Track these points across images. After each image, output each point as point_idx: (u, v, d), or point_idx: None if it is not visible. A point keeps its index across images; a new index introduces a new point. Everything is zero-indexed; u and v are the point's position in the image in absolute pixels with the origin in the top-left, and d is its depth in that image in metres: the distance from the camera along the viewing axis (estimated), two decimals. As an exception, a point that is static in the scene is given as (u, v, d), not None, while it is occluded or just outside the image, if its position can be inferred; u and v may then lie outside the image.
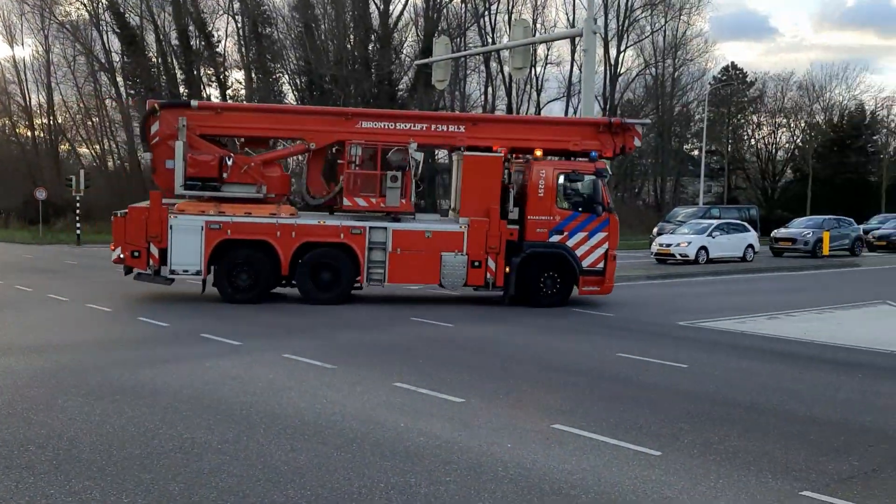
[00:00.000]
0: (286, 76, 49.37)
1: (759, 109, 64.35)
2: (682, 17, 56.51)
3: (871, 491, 5.52)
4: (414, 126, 15.19)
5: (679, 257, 26.37)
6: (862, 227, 36.20)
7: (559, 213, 15.01)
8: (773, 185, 63.63)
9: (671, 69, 57.91)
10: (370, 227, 14.38)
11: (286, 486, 5.25)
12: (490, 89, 52.56)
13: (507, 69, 45.48)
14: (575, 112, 49.67)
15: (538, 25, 51.19)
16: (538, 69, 53.34)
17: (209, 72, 48.97)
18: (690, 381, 8.91)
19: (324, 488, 5.25)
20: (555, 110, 55.92)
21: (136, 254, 14.09)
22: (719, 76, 63.54)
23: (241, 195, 14.49)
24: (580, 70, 35.99)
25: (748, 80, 64.90)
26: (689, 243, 26.70)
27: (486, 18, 51.43)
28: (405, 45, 48.61)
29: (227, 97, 47.24)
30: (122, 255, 14.20)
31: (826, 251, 30.47)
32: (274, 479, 5.35)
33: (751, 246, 28.33)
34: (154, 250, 14.08)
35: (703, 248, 26.79)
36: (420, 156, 14.62)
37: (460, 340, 11.20)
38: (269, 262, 14.26)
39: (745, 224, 30.12)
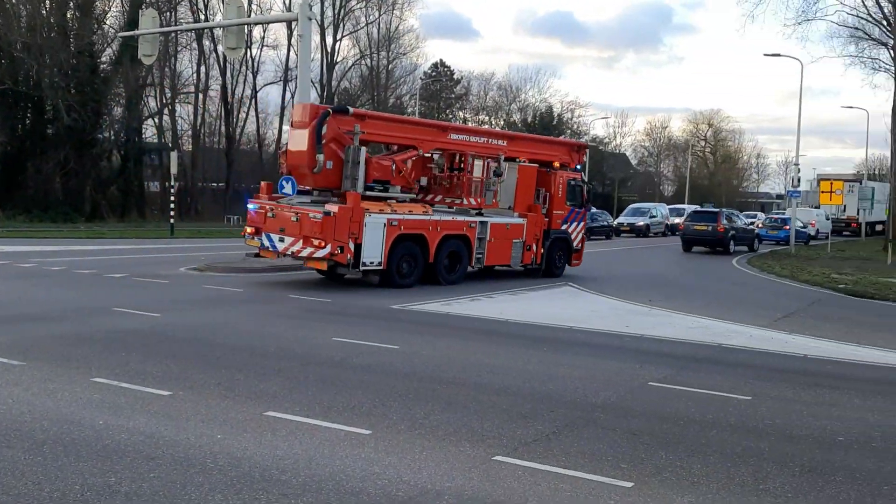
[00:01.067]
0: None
1: (466, 106, 68.71)
2: (394, 11, 58.41)
3: (551, 450, 6.21)
4: (482, 139, 19.02)
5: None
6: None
7: (566, 209, 20.54)
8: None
9: (385, 61, 59.66)
10: (479, 222, 17.98)
11: (-41, 499, 4.66)
12: (203, 68, 50.35)
13: (220, 48, 43.79)
14: (292, 97, 49.31)
15: (254, 6, 49.93)
16: (254, 51, 52.13)
17: None
18: (401, 362, 9.32)
19: (8, 495, 4.74)
20: (272, 94, 55.13)
21: (341, 249, 15.24)
22: (429, 72, 66.73)
23: (402, 196, 16.89)
24: (297, 55, 35.72)
25: (455, 77, 68.95)
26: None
27: (199, -7, 49.03)
28: (108, 15, 44.78)
29: None
30: (331, 252, 15.10)
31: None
32: (-57, 494, 4.72)
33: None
34: (352, 246, 15.42)
35: None
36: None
37: (167, 331, 10.65)
38: (423, 252, 16.73)
39: None
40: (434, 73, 66.10)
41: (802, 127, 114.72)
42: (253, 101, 53.47)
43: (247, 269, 18.87)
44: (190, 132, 51.97)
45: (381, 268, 16.02)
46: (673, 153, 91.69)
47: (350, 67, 57.61)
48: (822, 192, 40.41)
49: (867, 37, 51.51)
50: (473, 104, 68.81)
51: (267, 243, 16.13)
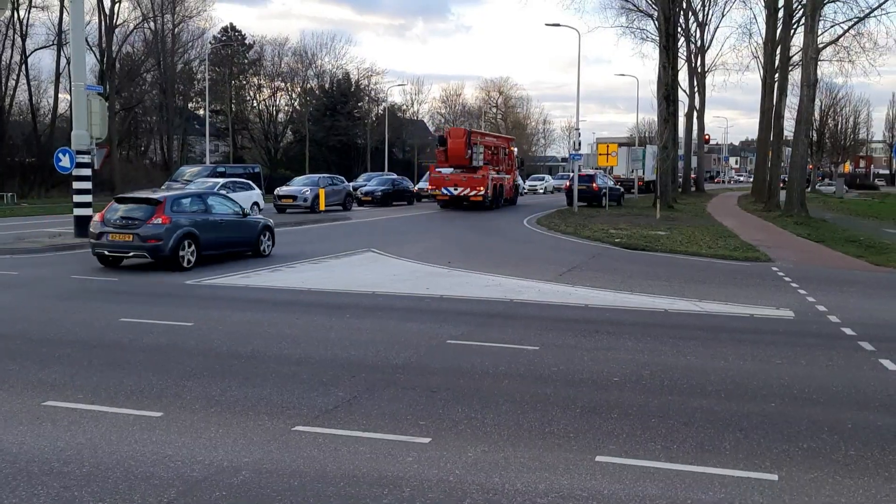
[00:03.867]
0: None
1: (259, 72, 66.42)
2: (178, -29, 55.00)
3: (352, 416, 6.24)
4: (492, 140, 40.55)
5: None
6: (351, 184, 40.60)
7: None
8: (275, 145, 66.63)
9: (171, 25, 56.23)
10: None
11: None
12: (-40, 30, 44.78)
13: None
14: (67, 62, 45.16)
15: (16, -39, 44.96)
16: (22, 12, 47.14)
17: None
18: (196, 339, 8.94)
19: None
20: (45, 60, 50.22)
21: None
22: (219, 36, 63.73)
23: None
24: (70, 17, 32.62)
25: (247, 42, 66.37)
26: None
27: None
28: None
29: None
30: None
31: (322, 206, 33.18)
32: None
33: (256, 203, 29.25)
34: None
35: None
36: None
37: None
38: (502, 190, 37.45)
39: (251, 182, 31.11)
40: (224, 38, 63.18)
41: (581, 93, 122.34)
42: (23, 67, 48.54)
43: (23, 249, 17.22)
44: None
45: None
46: (468, 119, 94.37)
47: (132, 31, 53.70)
48: (600, 154, 43.50)
49: (635, 8, 55.53)
50: (268, 70, 66.70)
51: (446, 192, 35.78)
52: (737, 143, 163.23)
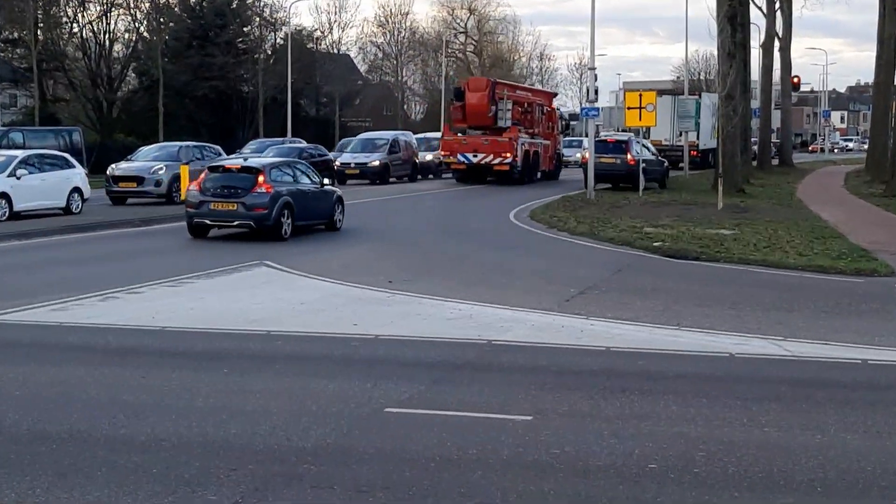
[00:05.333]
0: None
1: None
2: None
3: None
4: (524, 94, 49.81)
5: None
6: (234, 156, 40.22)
7: None
8: (109, 96, 65.62)
9: None
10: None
11: None
12: None
13: None
14: None
15: None
16: None
17: None
18: (-22, 411, 8.79)
19: None
20: None
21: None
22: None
23: None
24: None
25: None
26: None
27: None
28: None
29: None
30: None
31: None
32: None
33: (78, 190, 28.79)
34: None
35: (3, 195, 26.39)
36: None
37: None
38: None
39: (68, 157, 30.74)
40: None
41: (598, 12, 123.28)
42: None
43: None
44: None
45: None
46: (421, 54, 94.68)
47: None
48: (629, 108, 43.30)
49: None
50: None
51: (463, 159, 42.28)
52: (843, 91, 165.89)
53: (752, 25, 53.43)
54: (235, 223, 22.54)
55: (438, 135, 49.79)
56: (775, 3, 62.13)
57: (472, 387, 9.96)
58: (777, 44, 63.46)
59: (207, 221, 22.53)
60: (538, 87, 67.38)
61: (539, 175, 45.66)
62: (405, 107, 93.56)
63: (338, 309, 14.34)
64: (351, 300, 15.15)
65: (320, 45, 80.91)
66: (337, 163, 43.60)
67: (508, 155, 41.45)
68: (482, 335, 12.51)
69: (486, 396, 9.54)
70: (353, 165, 46.14)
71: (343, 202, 25.62)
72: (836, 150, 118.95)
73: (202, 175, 23.53)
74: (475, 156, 41.89)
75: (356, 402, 9.31)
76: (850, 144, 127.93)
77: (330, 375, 10.37)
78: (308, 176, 24.93)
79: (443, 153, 44.51)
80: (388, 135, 51.66)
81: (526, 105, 46.30)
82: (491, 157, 41.67)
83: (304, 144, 45.29)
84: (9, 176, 26.86)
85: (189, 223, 22.84)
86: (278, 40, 72.06)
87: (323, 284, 16.72)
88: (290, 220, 22.51)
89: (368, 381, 10.11)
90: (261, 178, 22.28)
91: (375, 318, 13.56)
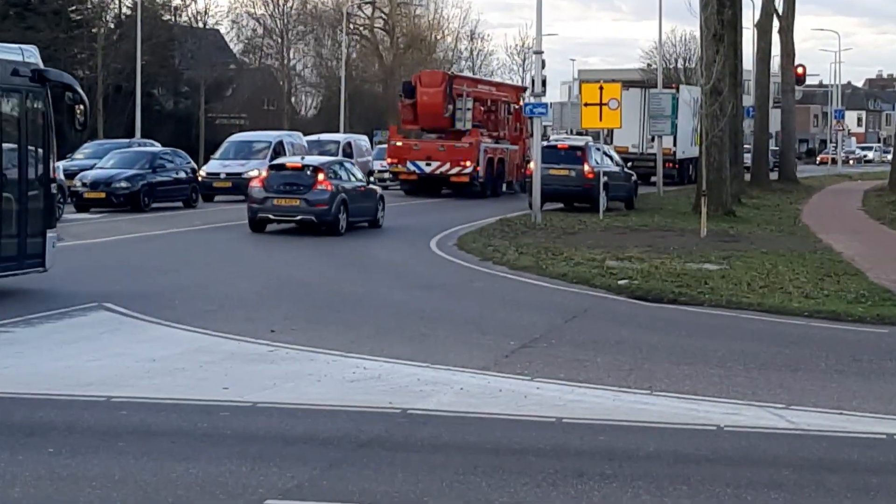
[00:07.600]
0: None
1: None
2: None
3: None
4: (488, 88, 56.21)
5: None
6: (61, 164, 39.98)
7: None
8: None
9: None
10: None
11: None
12: None
13: None
14: None
15: None
16: None
17: None
18: None
19: None
20: None
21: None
22: None
23: None
24: None
25: None
26: None
27: None
28: None
29: None
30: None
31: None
32: None
33: None
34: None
35: None
36: None
37: None
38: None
39: None
40: None
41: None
42: None
43: None
44: None
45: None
46: (314, 31, 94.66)
47: None
48: (587, 104, 43.25)
49: None
50: None
51: (414, 168, 45.94)
52: (860, 84, 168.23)
53: (744, 1, 53.86)
54: (298, 218, 31.42)
55: (336, 136, 49.98)
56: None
57: (380, 472, 9.92)
58: (776, 24, 64.28)
59: (271, 216, 31.57)
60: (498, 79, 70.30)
61: (505, 187, 47.55)
62: (293, 100, 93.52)
63: (201, 367, 14.25)
64: (219, 356, 15.07)
65: (180, 17, 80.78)
66: (202, 173, 43.26)
67: (468, 163, 43.38)
68: (394, 402, 12.49)
69: (399, 485, 9.49)
70: (223, 177, 44.81)
71: (384, 201, 35.33)
72: (851, 162, 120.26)
73: (265, 172, 33.25)
74: (429, 164, 43.97)
75: (227, 492, 9.22)
76: (870, 154, 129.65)
77: (191, 457, 10.28)
78: (354, 175, 34.63)
79: (389, 161, 46.46)
80: (271, 136, 51.22)
81: (489, 103, 48.56)
82: (447, 165, 43.73)
83: (157, 148, 44.91)
84: None
85: (252, 218, 31.69)
86: (124, 10, 71.74)
87: (183, 335, 16.61)
88: (345, 216, 31.51)
89: (243, 463, 10.02)
90: (321, 176, 31.26)
91: (252, 379, 13.52)
